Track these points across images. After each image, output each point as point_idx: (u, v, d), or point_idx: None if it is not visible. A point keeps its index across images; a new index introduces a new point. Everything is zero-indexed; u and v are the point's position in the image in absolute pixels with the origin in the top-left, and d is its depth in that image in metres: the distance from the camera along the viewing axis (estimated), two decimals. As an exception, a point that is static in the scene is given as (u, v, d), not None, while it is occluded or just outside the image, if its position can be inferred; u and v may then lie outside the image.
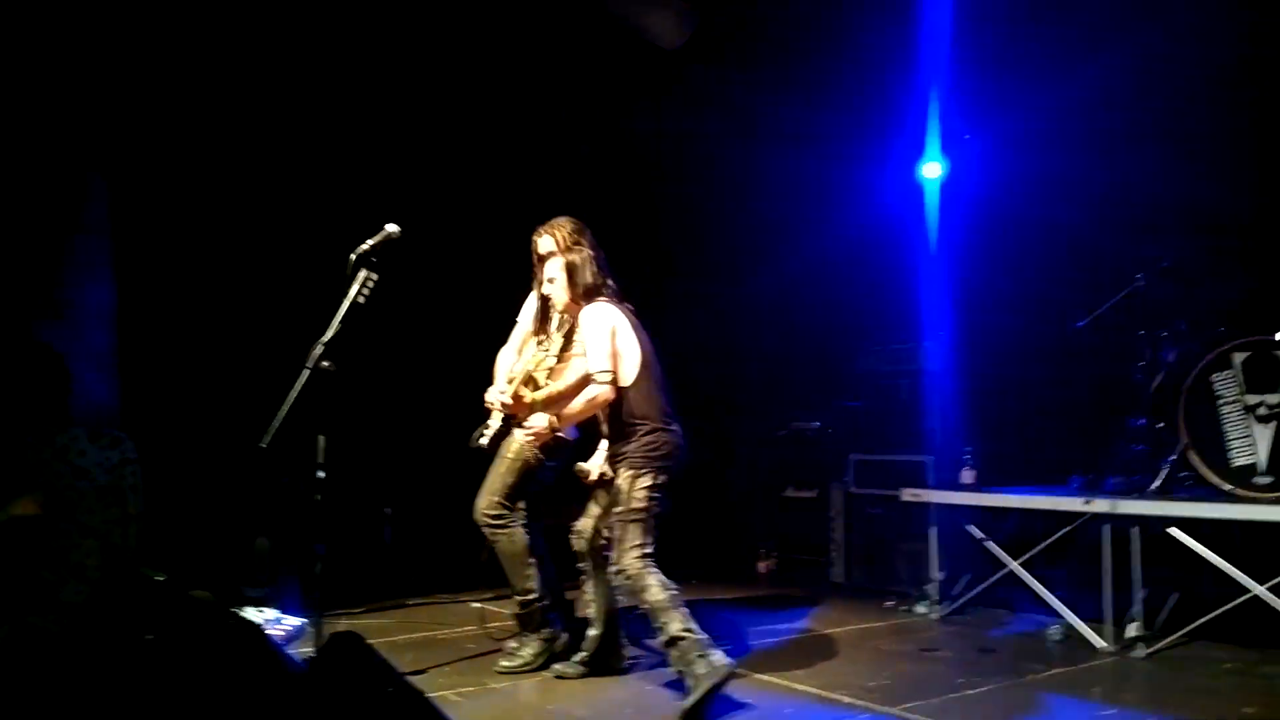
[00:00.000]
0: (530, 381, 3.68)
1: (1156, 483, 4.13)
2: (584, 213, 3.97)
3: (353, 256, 3.45)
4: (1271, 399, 3.78)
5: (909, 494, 4.84)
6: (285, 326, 4.17)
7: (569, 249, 3.72)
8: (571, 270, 3.65)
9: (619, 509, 3.27)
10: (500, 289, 4.60)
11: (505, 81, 5.81)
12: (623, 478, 3.28)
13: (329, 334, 3.37)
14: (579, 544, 3.62)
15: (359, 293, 3.47)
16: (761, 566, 6.15)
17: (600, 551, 3.52)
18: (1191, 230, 4.61)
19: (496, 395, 3.66)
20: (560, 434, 3.70)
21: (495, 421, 3.70)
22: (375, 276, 3.50)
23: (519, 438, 3.70)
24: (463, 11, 5.39)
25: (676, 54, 5.64)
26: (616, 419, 3.36)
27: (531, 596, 3.70)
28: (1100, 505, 4.02)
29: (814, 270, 5.86)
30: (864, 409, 5.79)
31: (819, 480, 5.88)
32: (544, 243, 3.84)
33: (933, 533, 4.75)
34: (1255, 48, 4.89)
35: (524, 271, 4.09)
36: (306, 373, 3.32)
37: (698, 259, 6.80)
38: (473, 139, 5.91)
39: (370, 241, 3.46)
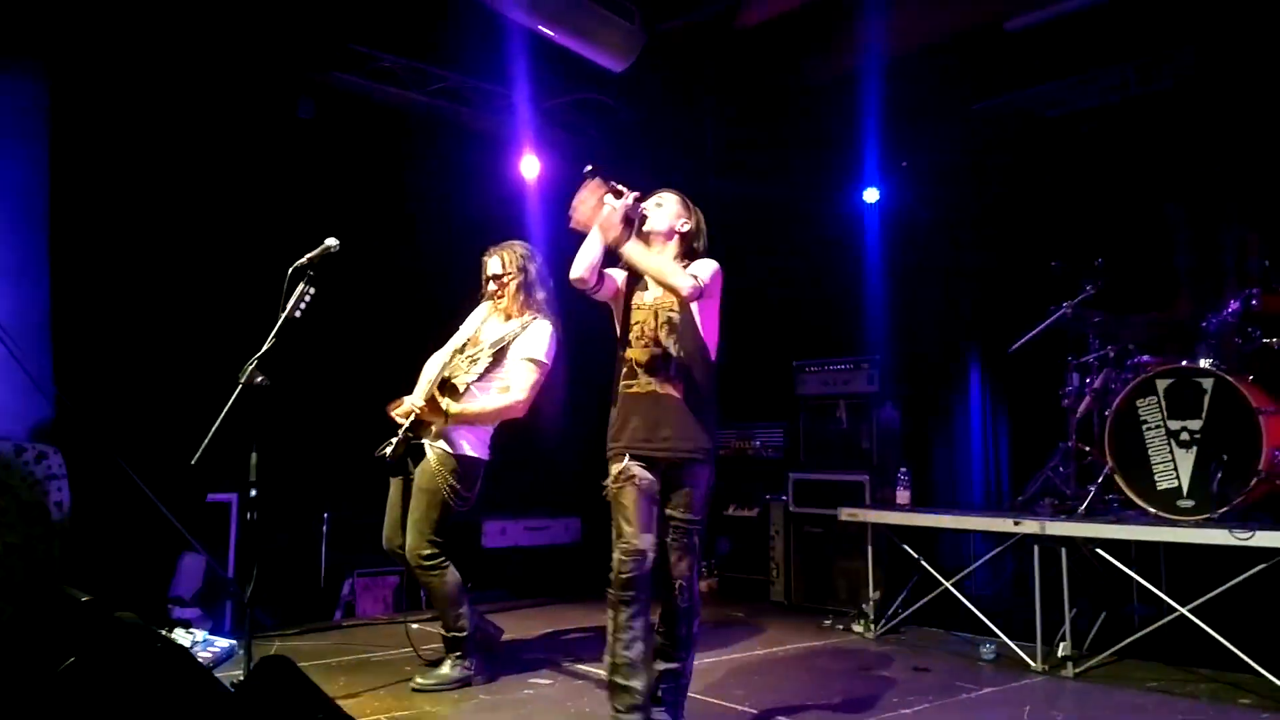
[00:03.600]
0: (448, 388, 3.66)
1: (1084, 505, 4.24)
2: (518, 226, 4.01)
3: (291, 270, 3.42)
4: (1193, 425, 3.91)
5: (846, 513, 4.90)
6: (221, 340, 4.10)
7: (521, 270, 3.80)
8: (530, 285, 3.78)
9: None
10: (437, 298, 4.59)
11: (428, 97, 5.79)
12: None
13: (264, 348, 3.32)
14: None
15: (296, 306, 3.43)
16: (703, 585, 6.16)
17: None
18: (1119, 259, 4.77)
19: (409, 402, 3.66)
20: (473, 456, 3.70)
21: (403, 429, 3.64)
22: (313, 290, 3.46)
23: (431, 464, 3.64)
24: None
25: (623, 75, 5.68)
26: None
27: (463, 635, 3.67)
28: (1029, 526, 4.12)
29: (756, 291, 5.93)
30: (804, 428, 5.88)
31: (759, 499, 5.93)
32: (493, 263, 3.89)
33: (869, 552, 4.82)
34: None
35: (460, 283, 4.10)
36: (240, 388, 3.27)
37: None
38: (410, 151, 5.88)
39: (309, 255, 3.42)
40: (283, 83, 5.29)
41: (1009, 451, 5.67)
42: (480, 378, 3.71)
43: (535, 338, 3.73)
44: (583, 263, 2.99)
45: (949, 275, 6.07)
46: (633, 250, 2.95)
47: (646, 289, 3.12)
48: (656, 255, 3.02)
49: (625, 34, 5.57)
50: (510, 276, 3.83)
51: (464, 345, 3.83)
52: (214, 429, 3.20)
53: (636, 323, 3.10)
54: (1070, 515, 4.21)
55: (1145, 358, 4.40)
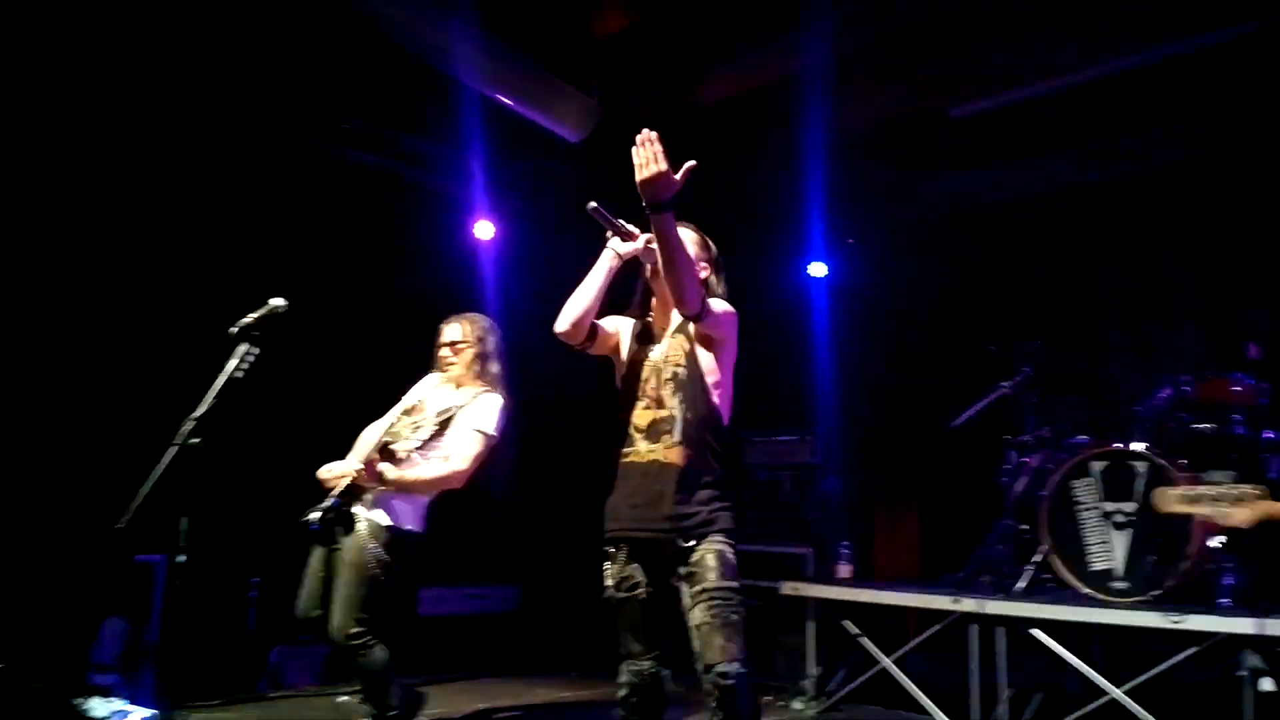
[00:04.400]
0: (388, 454, 3.48)
1: (1021, 584, 4.28)
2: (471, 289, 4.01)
3: (233, 330, 3.36)
4: (1127, 506, 3.99)
5: (788, 587, 4.89)
6: (157, 399, 4.00)
7: (479, 339, 3.75)
8: (485, 356, 3.72)
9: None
10: (383, 361, 4.55)
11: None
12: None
13: (201, 409, 3.25)
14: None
15: (238, 367, 3.37)
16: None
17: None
18: (1057, 341, 4.90)
19: (346, 465, 3.49)
20: (407, 529, 3.54)
21: (335, 495, 3.41)
22: (256, 351, 3.41)
23: (361, 536, 3.45)
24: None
25: (581, 147, 5.77)
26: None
27: (393, 714, 3.52)
28: (967, 604, 4.14)
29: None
30: (749, 499, 5.87)
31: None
32: (451, 330, 3.80)
33: (810, 627, 4.80)
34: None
35: (409, 346, 4.06)
36: (175, 449, 3.19)
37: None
38: (365, 212, 5.88)
39: (253, 315, 3.37)
40: (241, 141, 5.28)
41: (949, 528, 5.72)
42: (422, 446, 3.52)
43: (485, 409, 3.62)
44: (571, 313, 2.70)
45: (893, 351, 6.18)
46: (666, 227, 2.46)
47: (653, 341, 2.80)
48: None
49: (583, 106, 5.69)
50: (467, 345, 3.75)
51: (408, 410, 3.70)
52: (144, 491, 3.11)
53: (639, 379, 2.75)
54: (1008, 594, 4.24)
55: (1081, 438, 4.50)
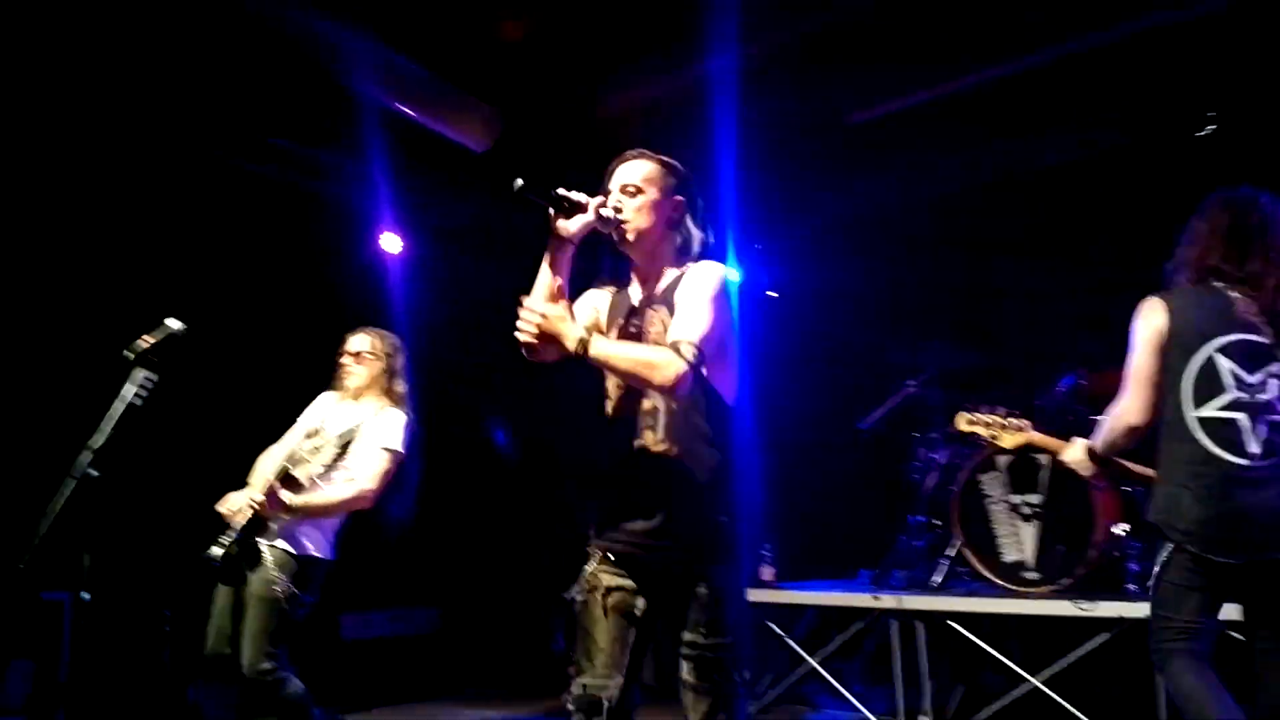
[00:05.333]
0: (290, 480, 3.25)
1: (937, 578, 4.40)
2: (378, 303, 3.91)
3: (129, 354, 3.20)
4: (1033, 498, 4.15)
5: (713, 593, 4.90)
6: (54, 430, 3.78)
7: (386, 355, 3.65)
8: (390, 372, 3.62)
9: None
10: (289, 380, 4.39)
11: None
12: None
13: (99, 439, 3.08)
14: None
15: (135, 394, 3.21)
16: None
17: None
18: (960, 338, 5.07)
19: (246, 496, 3.33)
20: (316, 557, 3.42)
21: (237, 524, 3.29)
22: (155, 377, 3.25)
23: (267, 568, 3.31)
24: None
25: (483, 156, 5.71)
26: None
27: None
28: (887, 601, 4.24)
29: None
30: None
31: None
32: (356, 340, 3.68)
33: (736, 631, 4.83)
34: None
35: (314, 366, 3.92)
36: (72, 482, 3.02)
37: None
38: (264, 227, 5.68)
39: (149, 338, 3.21)
40: (131, 155, 5.04)
41: (865, 525, 5.85)
42: (325, 469, 3.30)
43: (389, 425, 3.50)
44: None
45: (806, 354, 6.29)
46: (602, 350, 2.11)
47: (634, 316, 2.35)
48: (625, 349, 2.16)
49: (485, 118, 5.62)
50: (374, 358, 3.64)
51: (309, 434, 3.55)
52: (44, 528, 2.93)
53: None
54: (924, 589, 4.36)
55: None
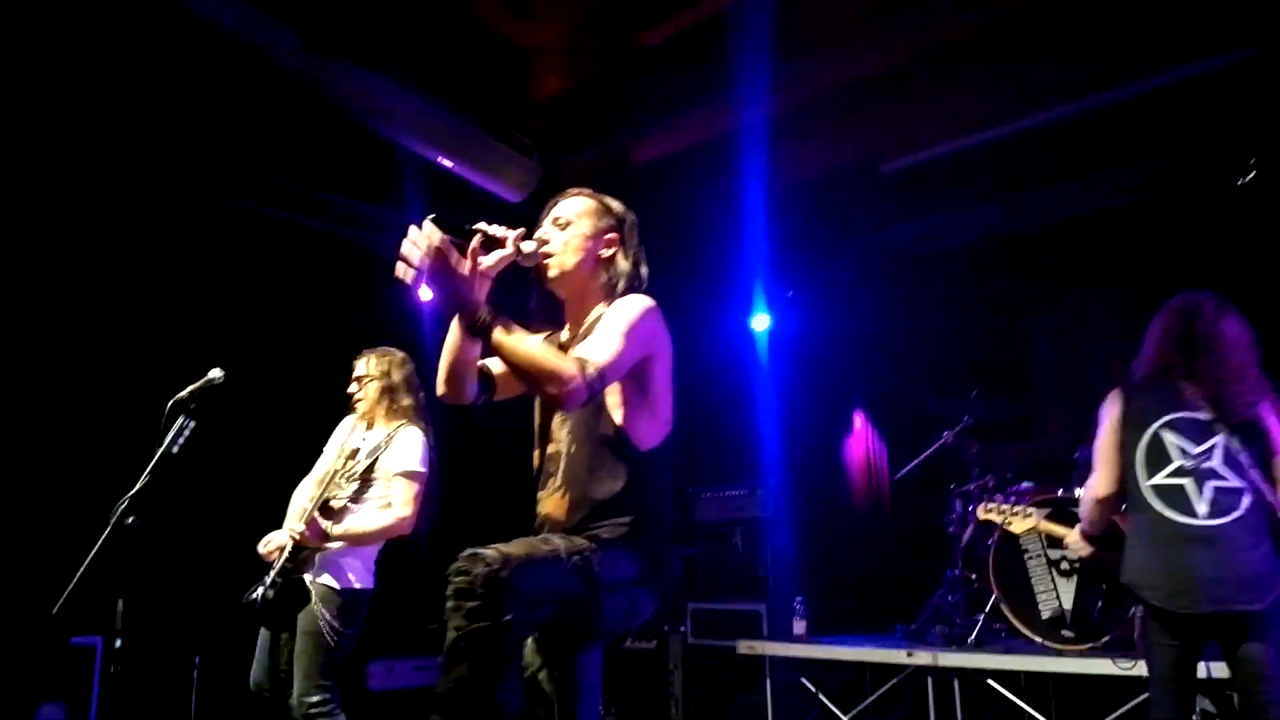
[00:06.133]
0: (328, 510, 3.42)
1: (974, 634, 4.31)
2: (413, 352, 3.96)
3: (170, 403, 3.27)
4: (1071, 553, 4.04)
5: (744, 646, 4.85)
6: (92, 476, 3.86)
7: (383, 374, 3.69)
8: (391, 390, 3.65)
9: None
10: (325, 427, 4.45)
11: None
12: None
13: (137, 486, 3.15)
14: None
15: (174, 442, 3.28)
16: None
17: None
18: (997, 388, 5.00)
19: (288, 529, 3.42)
20: (357, 588, 3.47)
21: (280, 563, 3.39)
22: (193, 424, 3.32)
23: (313, 603, 3.37)
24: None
25: (522, 205, 5.79)
26: None
27: None
28: (922, 658, 4.15)
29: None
30: (701, 555, 5.83)
31: (657, 630, 5.81)
32: (359, 365, 3.77)
33: (768, 686, 4.76)
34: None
35: (341, 410, 3.99)
36: (110, 528, 3.07)
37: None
38: (306, 277, 5.79)
39: (190, 388, 3.29)
40: (177, 207, 5.18)
41: (899, 577, 5.75)
42: (354, 496, 3.48)
43: (405, 448, 3.56)
44: (441, 368, 2.18)
45: (837, 403, 6.25)
46: (503, 336, 1.94)
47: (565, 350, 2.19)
48: (528, 341, 1.95)
49: (523, 168, 5.72)
50: (371, 379, 3.70)
51: (338, 461, 3.65)
52: (79, 574, 2.98)
53: (537, 408, 2.29)
54: (961, 645, 4.27)
55: (1024, 485, 4.57)
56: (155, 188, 5.01)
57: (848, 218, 6.07)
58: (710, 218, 6.17)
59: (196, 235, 5.24)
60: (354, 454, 3.61)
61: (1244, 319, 2.92)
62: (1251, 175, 4.72)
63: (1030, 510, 3.72)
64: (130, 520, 3.09)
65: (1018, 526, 3.72)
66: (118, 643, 3.04)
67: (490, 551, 1.82)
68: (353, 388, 3.76)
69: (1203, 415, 2.81)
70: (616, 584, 2.00)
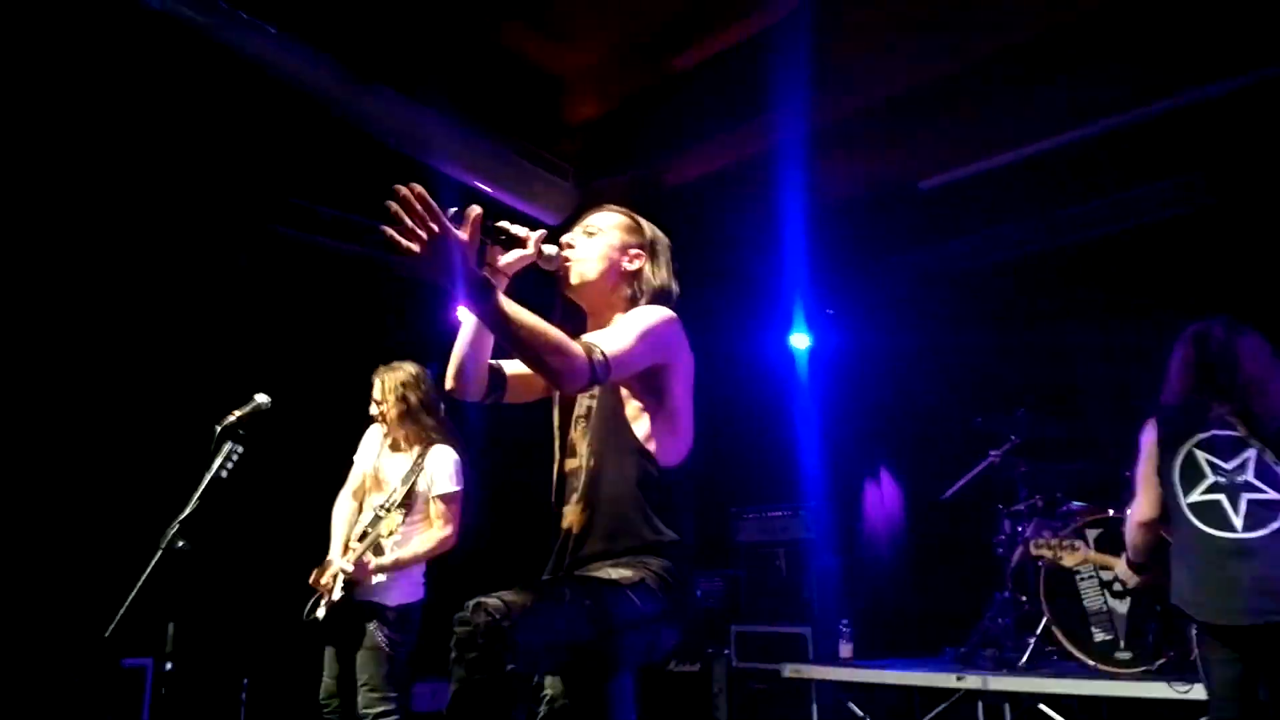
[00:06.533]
0: (375, 546, 3.58)
1: (1024, 657, 4.22)
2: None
3: (218, 428, 3.32)
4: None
5: (790, 670, 4.80)
6: (142, 500, 3.93)
7: (399, 399, 3.72)
8: (412, 412, 3.68)
9: None
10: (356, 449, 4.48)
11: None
12: None
13: (186, 511, 3.19)
14: None
15: (221, 466, 3.33)
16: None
17: None
18: (1044, 405, 4.92)
19: (339, 565, 3.54)
20: (410, 603, 3.59)
21: (337, 591, 3.53)
22: (241, 449, 3.37)
23: (369, 624, 3.51)
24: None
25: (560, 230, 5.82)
26: None
27: None
28: (972, 682, 4.08)
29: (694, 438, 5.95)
30: (745, 577, 5.78)
31: (701, 653, 5.76)
32: (376, 387, 3.81)
33: (814, 710, 4.69)
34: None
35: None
36: (160, 553, 3.12)
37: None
38: (347, 302, 5.86)
39: (237, 413, 3.34)
40: (218, 234, 5.27)
41: (947, 600, 5.66)
42: (400, 525, 3.61)
43: (438, 473, 3.65)
44: (453, 361, 2.18)
45: (882, 422, 6.18)
46: (509, 306, 1.86)
47: None
48: (533, 316, 1.87)
49: (560, 191, 5.76)
50: (390, 405, 3.74)
51: (372, 490, 3.75)
52: (130, 598, 3.03)
53: (567, 420, 2.22)
54: (1011, 669, 4.18)
55: (1075, 505, 4.48)
56: (197, 218, 5.11)
57: (887, 235, 6.03)
58: (748, 237, 6.17)
59: (240, 266, 5.32)
60: (389, 481, 3.70)
61: (1260, 337, 3.01)
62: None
63: (1078, 543, 3.76)
64: (180, 544, 3.15)
65: (1069, 560, 3.75)
66: (168, 665, 3.09)
67: (494, 600, 1.79)
68: (374, 409, 3.82)
69: (1234, 432, 2.88)
70: (636, 622, 1.95)
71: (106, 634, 2.98)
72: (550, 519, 2.18)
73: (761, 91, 5.01)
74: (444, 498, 3.62)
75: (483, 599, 1.80)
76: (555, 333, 1.86)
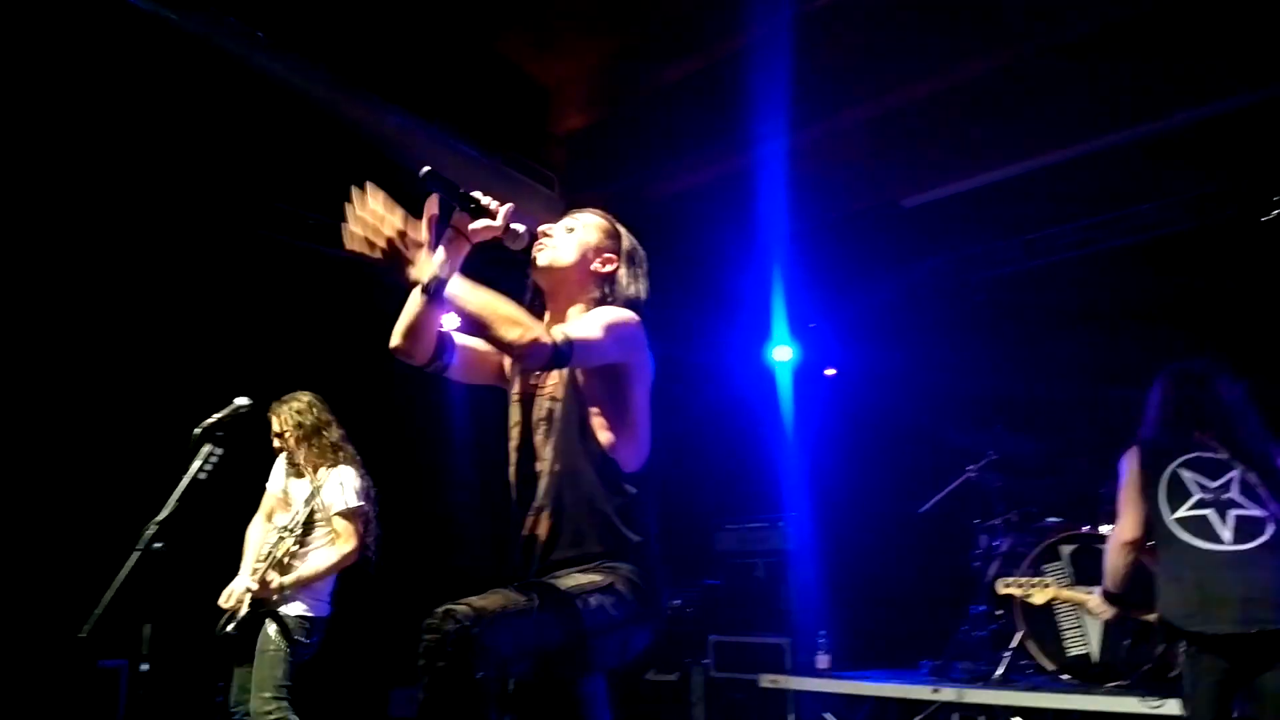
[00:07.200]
0: (277, 565, 3.71)
1: (999, 670, 4.25)
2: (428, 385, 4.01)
3: (197, 431, 3.32)
4: (1097, 590, 3.99)
5: (767, 680, 4.82)
6: (119, 502, 3.91)
7: (296, 425, 3.87)
8: (308, 436, 3.84)
9: None
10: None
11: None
12: None
13: (164, 512, 3.18)
14: None
15: (200, 469, 3.33)
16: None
17: None
18: (1020, 421, 4.97)
19: (243, 584, 3.70)
20: (314, 616, 3.71)
21: (244, 609, 3.68)
22: (220, 452, 3.37)
23: (270, 632, 3.62)
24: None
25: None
26: None
27: None
28: (947, 694, 4.11)
29: (672, 449, 5.97)
30: (723, 588, 5.79)
31: (679, 663, 5.77)
32: (274, 422, 3.91)
33: (791, 720, 4.71)
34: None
35: (378, 442, 4.05)
36: (136, 555, 3.11)
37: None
38: (333, 308, 5.84)
39: (217, 415, 3.34)
40: (202, 237, 5.26)
41: (924, 613, 5.69)
42: (300, 544, 3.76)
43: (338, 491, 3.79)
44: (401, 320, 2.10)
45: (860, 436, 6.22)
46: (459, 288, 1.91)
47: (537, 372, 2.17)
48: (488, 293, 1.90)
49: (544, 200, 5.78)
50: (287, 433, 3.89)
51: (279, 511, 3.93)
52: (107, 598, 3.01)
53: (526, 419, 2.18)
54: (987, 681, 4.21)
55: (1052, 520, 4.53)
56: (177, 219, 5.09)
57: (870, 251, 6.08)
58: (731, 251, 6.20)
59: (226, 264, 5.31)
60: (295, 503, 3.87)
61: (1234, 376, 3.13)
62: (1276, 213, 4.71)
63: (1049, 581, 3.85)
64: (158, 545, 3.14)
65: (1038, 597, 3.80)
66: (144, 666, 3.08)
67: (462, 607, 1.78)
68: (276, 442, 3.96)
69: (1217, 454, 2.96)
70: (607, 627, 1.95)
71: (83, 634, 2.97)
72: (512, 524, 2.17)
73: (746, 106, 5.06)
74: (344, 514, 3.77)
75: (451, 605, 1.79)
76: (514, 308, 1.88)
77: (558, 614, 1.88)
